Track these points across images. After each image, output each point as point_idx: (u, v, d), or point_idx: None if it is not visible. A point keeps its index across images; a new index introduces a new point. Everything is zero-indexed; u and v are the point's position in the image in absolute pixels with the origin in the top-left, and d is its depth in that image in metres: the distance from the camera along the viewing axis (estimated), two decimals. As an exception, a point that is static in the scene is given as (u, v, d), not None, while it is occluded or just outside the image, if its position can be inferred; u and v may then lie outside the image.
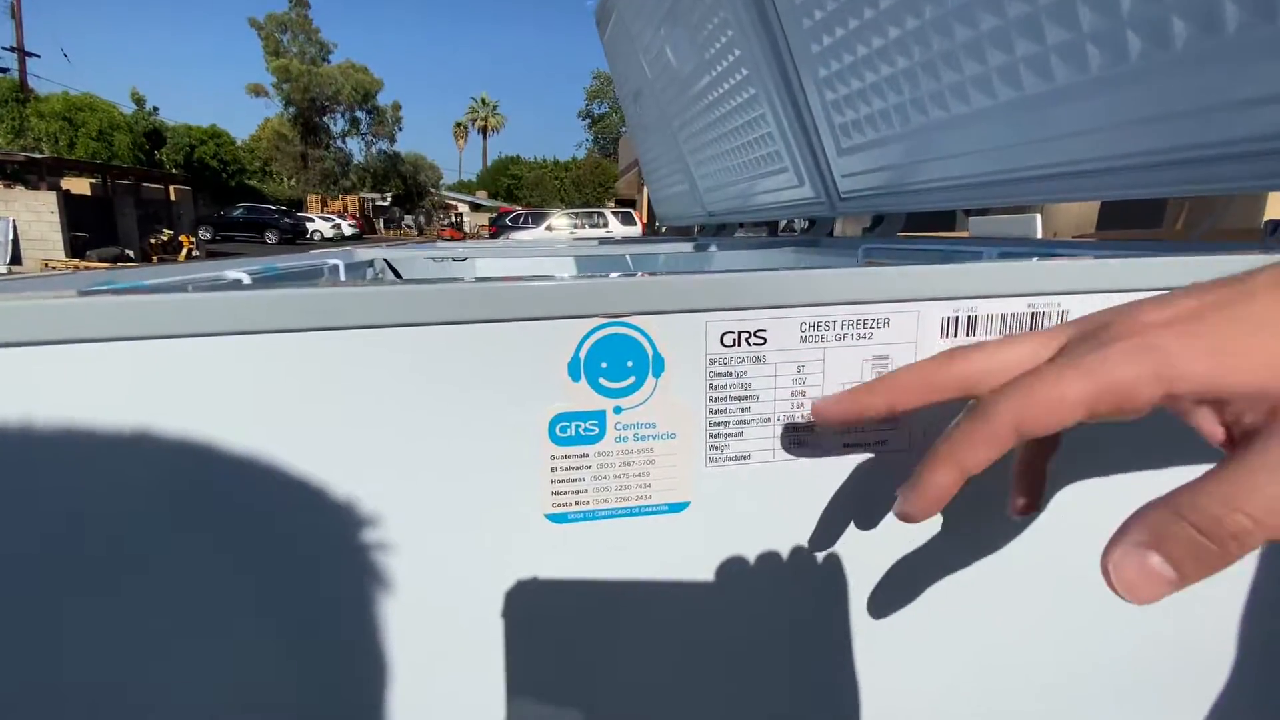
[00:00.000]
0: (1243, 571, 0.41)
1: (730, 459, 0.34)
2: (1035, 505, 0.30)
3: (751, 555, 0.35)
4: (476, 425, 0.31)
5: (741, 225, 2.05)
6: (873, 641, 0.38)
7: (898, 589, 0.37)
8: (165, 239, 11.10)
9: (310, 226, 19.47)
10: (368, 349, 0.29)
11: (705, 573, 0.35)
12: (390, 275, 1.12)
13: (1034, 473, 0.30)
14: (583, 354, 0.31)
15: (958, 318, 0.34)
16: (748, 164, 1.51)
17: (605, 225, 12.33)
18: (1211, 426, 0.21)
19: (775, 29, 1.13)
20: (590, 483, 0.33)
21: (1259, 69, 0.50)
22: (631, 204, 17.09)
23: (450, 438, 0.31)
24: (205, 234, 15.77)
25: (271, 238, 17.16)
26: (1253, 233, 0.60)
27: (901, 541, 0.36)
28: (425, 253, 1.19)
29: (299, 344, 0.28)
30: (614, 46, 2.01)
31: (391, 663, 0.32)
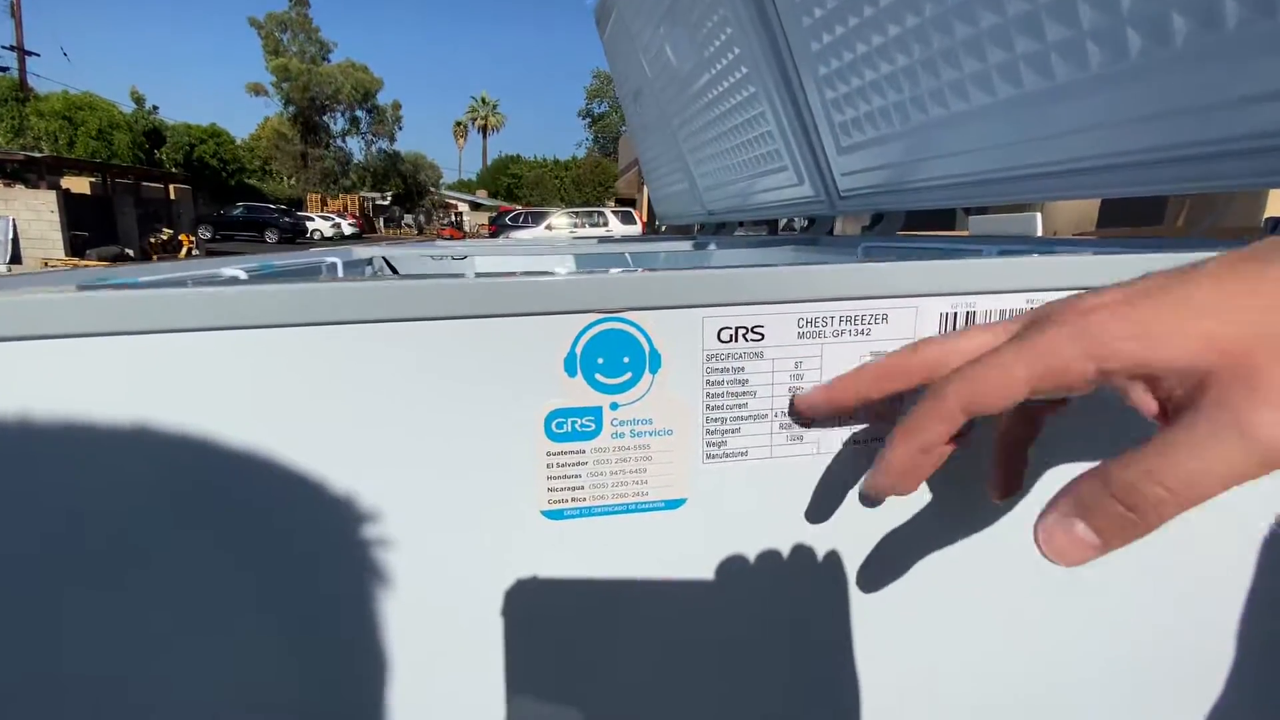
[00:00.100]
0: (1243, 571, 0.41)
1: (727, 455, 0.34)
2: (1015, 488, 0.31)
3: (749, 552, 0.35)
4: (472, 421, 0.31)
5: (741, 224, 2.04)
6: (870, 638, 0.37)
7: (895, 586, 0.37)
8: (165, 238, 11.10)
9: (310, 226, 19.46)
10: (361, 344, 0.29)
11: (702, 570, 0.35)
12: (388, 273, 1.12)
13: (1014, 458, 0.31)
14: (579, 350, 0.31)
15: (956, 313, 0.34)
16: (747, 162, 1.51)
17: (605, 224, 12.33)
18: (1147, 402, 0.22)
19: (775, 27, 1.13)
20: (587, 479, 0.32)
21: (1259, 65, 0.50)
22: (631, 203, 17.09)
23: (445, 434, 0.30)
24: (205, 233, 15.77)
25: (271, 237, 17.16)
26: (1253, 230, 0.60)
27: (900, 539, 0.36)
28: (424, 251, 1.19)
29: (292, 339, 0.28)
30: (614, 45, 2.01)
31: (388, 659, 0.32)
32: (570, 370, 0.31)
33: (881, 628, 0.37)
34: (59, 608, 0.29)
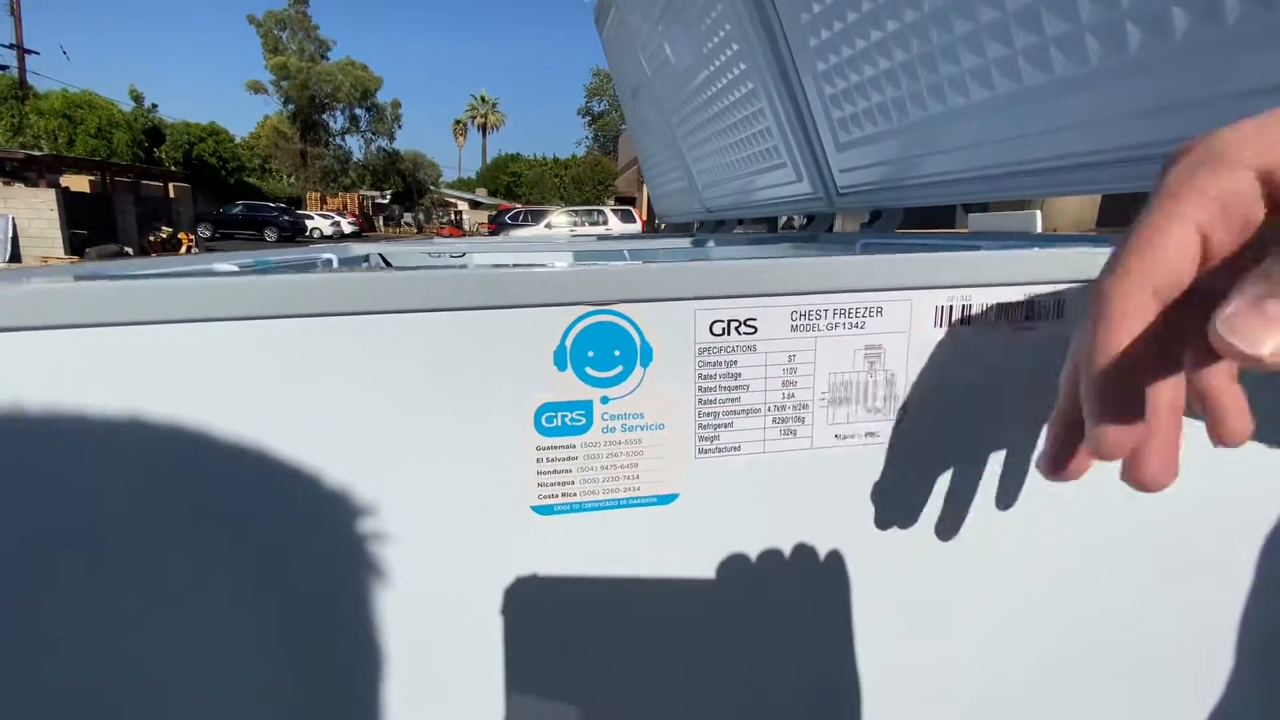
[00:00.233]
0: (1243, 569, 0.40)
1: (720, 450, 0.33)
2: (1242, 432, 0.21)
3: (741, 547, 0.34)
4: (461, 415, 0.30)
5: (741, 222, 2.04)
6: (863, 632, 0.37)
7: (890, 582, 0.36)
8: (164, 236, 11.09)
9: (309, 224, 19.44)
10: (349, 337, 0.28)
11: (694, 565, 0.34)
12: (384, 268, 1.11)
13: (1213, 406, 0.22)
14: (569, 343, 0.30)
15: (951, 306, 0.33)
16: (746, 160, 1.50)
17: (605, 223, 12.32)
18: None
19: (774, 22, 1.12)
20: (577, 474, 0.32)
21: (1260, 59, 0.49)
22: (631, 202, 17.08)
23: (433, 428, 0.30)
24: (204, 231, 15.76)
25: (271, 235, 17.14)
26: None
27: (894, 532, 0.36)
28: (421, 248, 1.19)
29: (277, 330, 0.28)
30: (612, 43, 2.00)
31: (375, 652, 0.32)
32: (560, 363, 0.31)
33: (875, 621, 0.37)
34: (54, 594, 0.28)
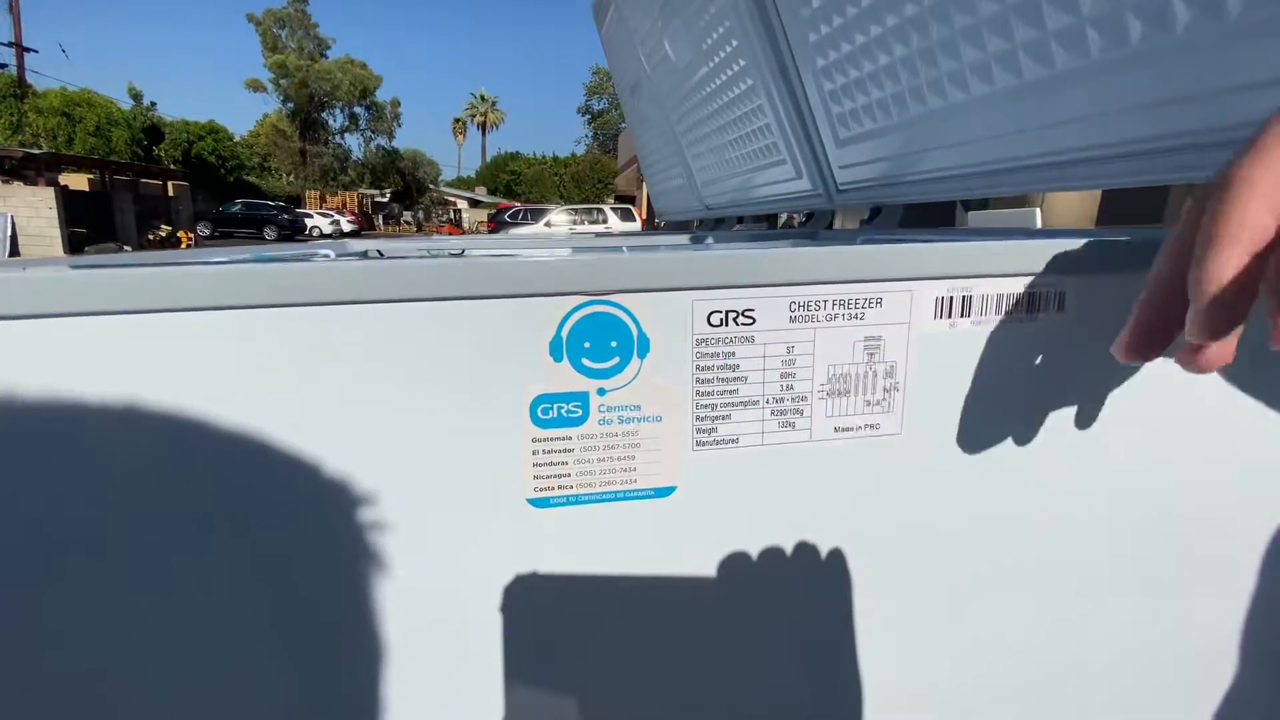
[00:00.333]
0: (1243, 570, 0.40)
1: (718, 443, 0.33)
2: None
3: (740, 540, 0.34)
4: (456, 406, 0.30)
5: (740, 220, 2.03)
6: (861, 625, 0.37)
7: (889, 573, 0.36)
8: (164, 235, 11.09)
9: (309, 223, 19.41)
10: (345, 326, 0.28)
11: (692, 558, 0.34)
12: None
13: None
14: (564, 333, 0.30)
15: (952, 297, 0.33)
16: (745, 156, 1.50)
17: (605, 221, 12.31)
18: None
19: (773, 18, 1.12)
20: (573, 466, 0.32)
21: (1263, 52, 0.49)
22: (631, 200, 17.07)
23: (429, 419, 0.30)
24: (204, 230, 15.75)
25: (270, 234, 17.11)
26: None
27: (894, 526, 0.35)
28: (419, 245, 1.18)
29: (274, 319, 0.28)
30: (612, 40, 2.00)
31: (370, 644, 0.32)
32: (556, 355, 0.30)
33: (873, 614, 0.37)
34: (53, 583, 0.28)
